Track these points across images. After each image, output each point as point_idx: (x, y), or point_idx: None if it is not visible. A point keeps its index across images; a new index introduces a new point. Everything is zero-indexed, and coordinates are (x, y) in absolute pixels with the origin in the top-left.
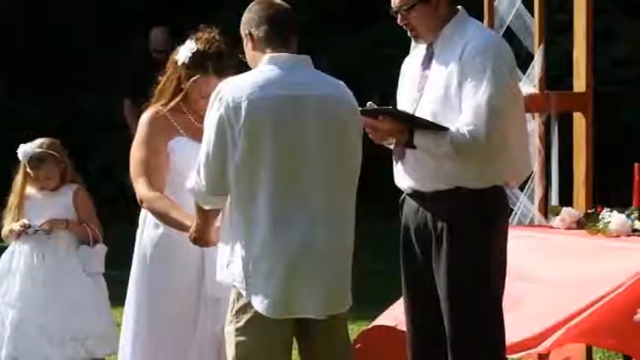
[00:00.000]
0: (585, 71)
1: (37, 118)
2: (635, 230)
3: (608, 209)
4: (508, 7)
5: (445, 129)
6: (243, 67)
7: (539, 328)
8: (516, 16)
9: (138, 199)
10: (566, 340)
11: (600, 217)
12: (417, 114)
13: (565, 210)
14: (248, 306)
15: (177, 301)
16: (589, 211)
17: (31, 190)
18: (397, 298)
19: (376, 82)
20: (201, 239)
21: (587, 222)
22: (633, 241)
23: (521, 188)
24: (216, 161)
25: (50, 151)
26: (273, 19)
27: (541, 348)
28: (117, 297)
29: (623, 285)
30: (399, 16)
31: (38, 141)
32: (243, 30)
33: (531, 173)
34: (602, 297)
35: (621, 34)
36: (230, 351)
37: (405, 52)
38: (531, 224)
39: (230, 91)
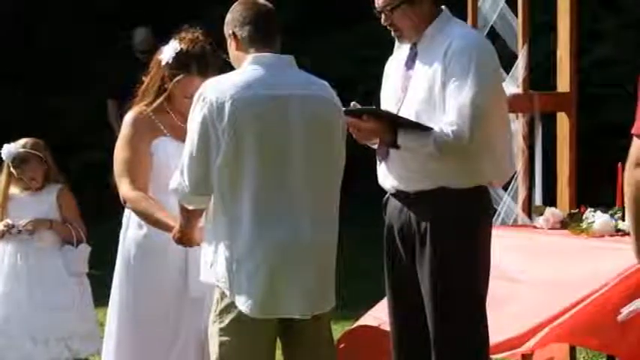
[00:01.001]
0: (569, 71)
1: (21, 118)
2: (618, 230)
3: (592, 209)
4: (492, 7)
5: (429, 129)
6: (226, 67)
7: (522, 328)
8: (500, 16)
9: (121, 199)
10: (550, 340)
11: (584, 217)
12: (401, 114)
13: (549, 210)
14: (232, 306)
15: (161, 300)
16: (573, 211)
17: (14, 190)
18: (381, 298)
19: (360, 82)
20: (185, 239)
21: (571, 222)
22: (617, 241)
23: (505, 188)
24: (200, 161)
25: (34, 151)
26: (257, 19)
27: (525, 348)
28: (100, 297)
29: (606, 285)
30: (383, 16)
31: (22, 141)
32: (227, 30)
33: (515, 173)
34: (586, 297)
35: (606, 35)
36: (214, 351)
37: (389, 52)
38: (515, 224)
39: (213, 91)
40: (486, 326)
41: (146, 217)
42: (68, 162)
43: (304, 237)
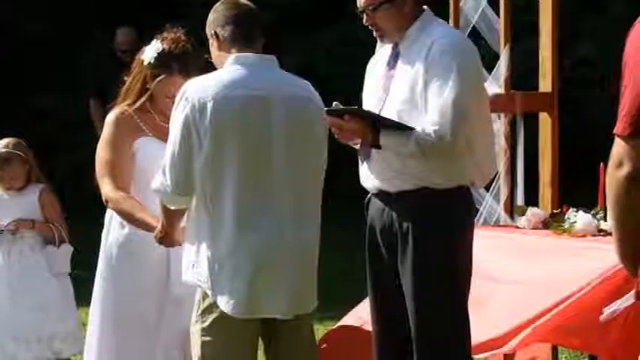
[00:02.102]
0: (551, 71)
1: (3, 118)
2: (600, 230)
3: (574, 209)
4: (473, 7)
5: (411, 129)
6: (209, 67)
7: (505, 328)
8: (482, 16)
9: (103, 199)
10: (532, 340)
11: (566, 217)
12: (383, 114)
13: (531, 210)
14: (214, 306)
15: (143, 301)
16: (555, 211)
17: None
18: (363, 298)
19: (342, 82)
20: (167, 239)
21: (553, 222)
22: (599, 240)
23: (487, 188)
24: (182, 161)
25: (16, 151)
26: (239, 19)
27: (507, 348)
28: (82, 297)
29: (588, 285)
30: (365, 15)
31: (4, 141)
32: (209, 30)
33: (497, 173)
34: (568, 297)
35: (588, 35)
36: (196, 351)
37: (371, 51)
38: (497, 224)
39: (195, 91)
40: (468, 326)
41: (128, 217)
42: (52, 162)
43: (286, 237)
